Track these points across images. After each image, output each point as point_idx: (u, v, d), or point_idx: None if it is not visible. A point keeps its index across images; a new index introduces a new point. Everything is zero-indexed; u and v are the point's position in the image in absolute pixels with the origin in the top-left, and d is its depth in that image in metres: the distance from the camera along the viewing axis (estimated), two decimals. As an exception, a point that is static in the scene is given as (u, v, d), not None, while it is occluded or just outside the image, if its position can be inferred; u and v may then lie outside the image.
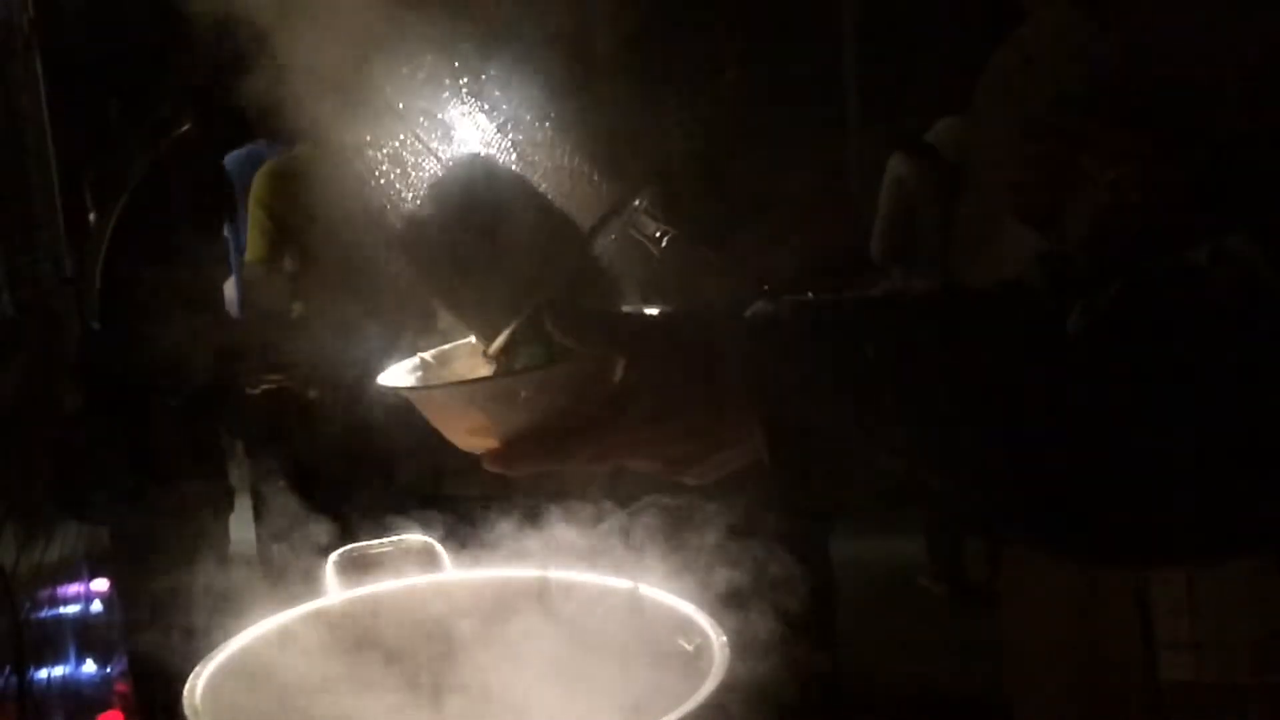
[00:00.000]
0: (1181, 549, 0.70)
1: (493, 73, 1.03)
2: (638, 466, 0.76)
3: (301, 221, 3.20)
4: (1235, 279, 0.63)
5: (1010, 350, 0.66)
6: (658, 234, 1.03)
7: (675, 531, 1.02)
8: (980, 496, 0.66)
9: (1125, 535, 0.66)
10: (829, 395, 0.66)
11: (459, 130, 1.00)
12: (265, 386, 3.06)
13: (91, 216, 3.39)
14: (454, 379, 0.86)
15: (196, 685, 0.96)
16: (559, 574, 1.10)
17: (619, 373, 0.72)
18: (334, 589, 1.14)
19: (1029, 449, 0.64)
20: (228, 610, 1.09)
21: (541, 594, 1.10)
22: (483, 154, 0.93)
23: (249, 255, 3.40)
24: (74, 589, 2.86)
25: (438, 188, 0.91)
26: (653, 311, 0.81)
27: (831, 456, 0.67)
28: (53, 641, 2.47)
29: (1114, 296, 0.64)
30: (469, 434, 0.80)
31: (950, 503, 0.68)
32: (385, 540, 1.16)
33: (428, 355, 0.90)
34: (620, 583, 1.07)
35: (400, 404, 0.86)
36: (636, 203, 1.04)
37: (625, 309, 0.84)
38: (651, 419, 0.71)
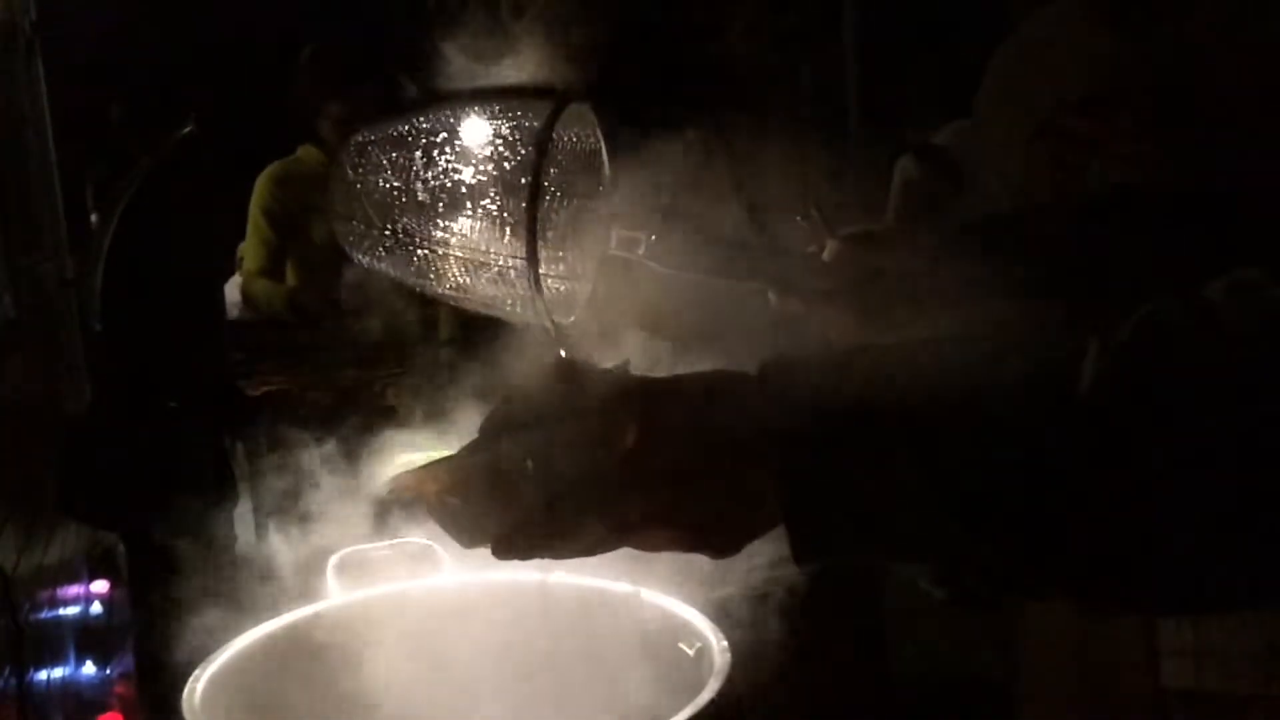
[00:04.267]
0: (1211, 597, 0.67)
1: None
2: (652, 546, 0.72)
3: (303, 227, 3.20)
4: (1255, 315, 0.60)
5: (1027, 396, 0.63)
6: (641, 248, 1.05)
7: None
8: (1004, 550, 0.64)
9: (1153, 585, 0.64)
10: (845, 451, 0.64)
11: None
12: (265, 389, 3.06)
13: (93, 218, 3.39)
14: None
15: (196, 688, 0.96)
16: (560, 577, 1.10)
17: (621, 439, 0.68)
18: (334, 591, 1.14)
19: (1050, 497, 0.62)
20: (229, 612, 1.09)
21: (542, 597, 1.10)
22: None
23: (249, 264, 3.39)
24: (74, 590, 2.86)
25: None
26: (664, 374, 0.77)
27: (849, 512, 0.65)
28: (52, 643, 2.47)
29: (1129, 338, 0.62)
30: (475, 524, 0.74)
31: (972, 557, 0.66)
32: (385, 543, 1.15)
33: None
34: (621, 587, 1.06)
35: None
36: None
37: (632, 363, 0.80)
38: (665, 484, 0.68)
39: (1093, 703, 1.31)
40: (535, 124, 1.01)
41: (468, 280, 1.07)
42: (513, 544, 0.72)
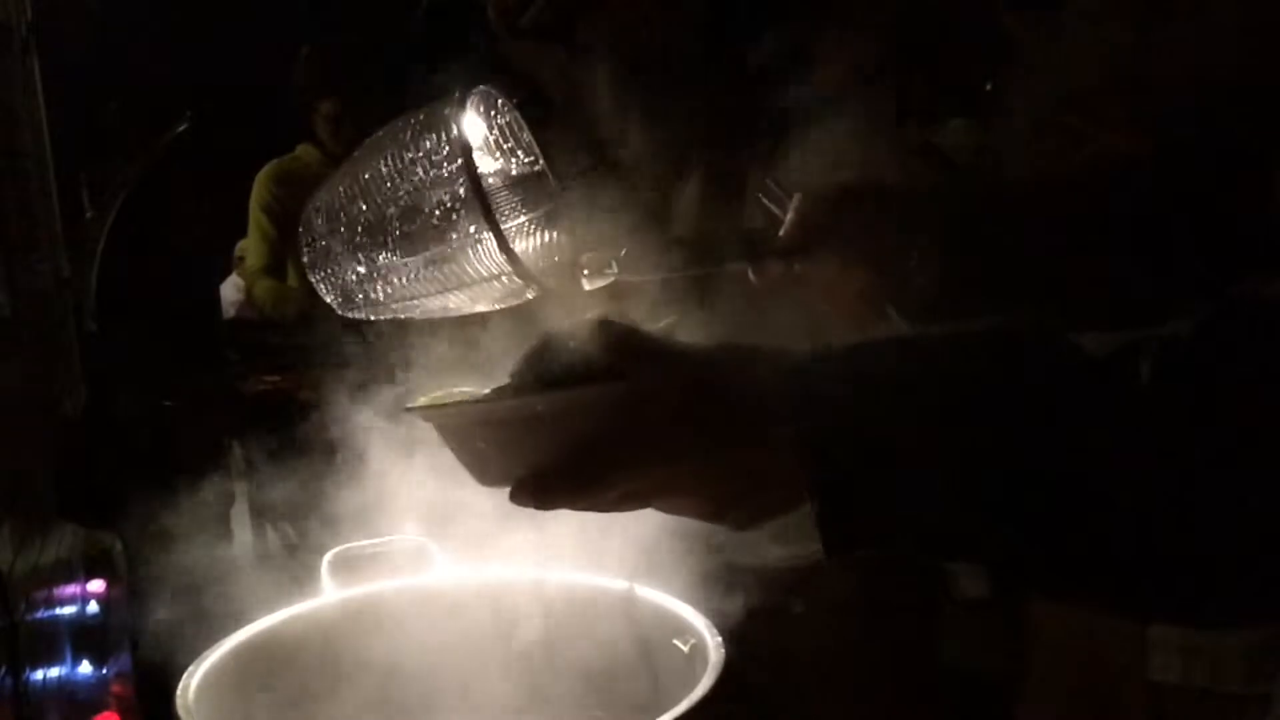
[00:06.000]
0: (1261, 605, 0.64)
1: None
2: (674, 509, 0.71)
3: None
4: None
5: (1075, 391, 0.62)
6: (613, 267, 1.04)
7: None
8: (1037, 551, 0.63)
9: (1197, 590, 0.62)
10: (877, 440, 0.63)
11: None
12: (261, 388, 3.06)
13: (89, 216, 3.38)
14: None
15: (190, 685, 0.96)
16: (554, 574, 1.10)
17: (660, 403, 0.67)
18: (329, 589, 1.14)
19: (1096, 496, 0.60)
20: (225, 610, 1.09)
21: (536, 594, 1.10)
22: None
23: (250, 261, 3.39)
24: (70, 590, 2.85)
25: None
26: (704, 343, 0.75)
27: (878, 503, 0.64)
28: (49, 643, 2.46)
29: (1195, 338, 0.60)
30: (495, 466, 0.73)
31: (1002, 556, 0.65)
32: (379, 540, 1.15)
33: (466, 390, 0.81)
34: (615, 583, 1.06)
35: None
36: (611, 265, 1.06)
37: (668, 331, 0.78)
38: (692, 453, 0.67)
39: (1089, 697, 1.31)
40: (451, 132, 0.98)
41: (467, 306, 1.05)
42: (533, 492, 0.70)
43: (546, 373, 0.72)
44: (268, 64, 3.49)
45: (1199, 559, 0.60)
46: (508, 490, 0.71)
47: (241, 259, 3.83)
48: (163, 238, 2.82)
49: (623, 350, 0.70)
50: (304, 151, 3.34)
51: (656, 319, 0.81)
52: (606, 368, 0.69)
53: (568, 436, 0.68)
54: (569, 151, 1.15)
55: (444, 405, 0.76)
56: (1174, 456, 0.59)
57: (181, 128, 2.95)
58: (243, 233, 3.57)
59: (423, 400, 0.79)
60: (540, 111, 1.32)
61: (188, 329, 2.91)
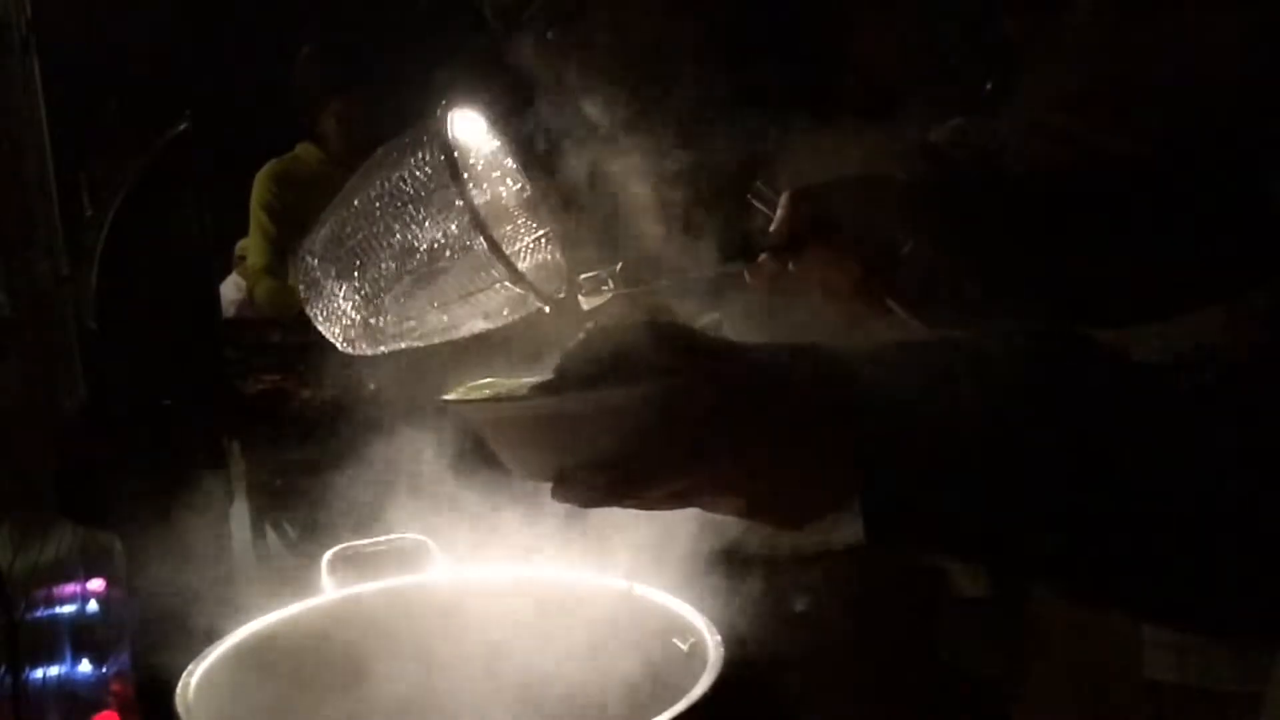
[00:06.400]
0: None
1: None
2: (716, 508, 0.71)
3: (302, 226, 3.19)
4: None
5: (1110, 400, 0.62)
6: (610, 283, 1.05)
7: None
8: (1086, 560, 0.63)
9: (1241, 603, 0.62)
10: (927, 441, 0.63)
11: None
12: (261, 386, 3.06)
13: (88, 215, 3.38)
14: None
15: (189, 683, 0.96)
16: (554, 573, 1.10)
17: (705, 401, 0.67)
18: (328, 587, 1.14)
19: (1132, 507, 0.60)
20: (225, 609, 1.09)
21: (536, 594, 1.10)
22: None
23: (251, 261, 3.39)
24: (70, 589, 2.85)
25: None
26: (747, 342, 0.73)
27: (927, 503, 0.64)
28: (48, 642, 2.46)
29: (1250, 356, 0.60)
30: (536, 461, 0.71)
31: (1046, 563, 0.65)
32: (379, 539, 1.16)
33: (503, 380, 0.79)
34: (615, 582, 1.07)
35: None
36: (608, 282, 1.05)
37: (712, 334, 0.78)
38: (739, 453, 0.67)
39: (1088, 697, 1.31)
40: (432, 152, 0.98)
41: (468, 324, 1.05)
42: (575, 489, 0.69)
43: (591, 368, 0.70)
44: (268, 64, 3.49)
45: (1200, 564, 0.61)
46: (548, 485, 0.71)
47: (242, 258, 3.83)
48: (163, 238, 2.82)
49: (669, 348, 0.69)
50: (304, 151, 3.35)
51: (699, 318, 0.80)
52: (653, 366, 0.68)
53: (612, 434, 0.67)
54: (568, 149, 1.15)
55: (483, 400, 0.75)
56: (1230, 463, 0.59)
57: (181, 127, 2.95)
58: (243, 232, 3.57)
59: (460, 390, 0.78)
60: (539, 110, 1.32)
61: (188, 328, 2.91)
